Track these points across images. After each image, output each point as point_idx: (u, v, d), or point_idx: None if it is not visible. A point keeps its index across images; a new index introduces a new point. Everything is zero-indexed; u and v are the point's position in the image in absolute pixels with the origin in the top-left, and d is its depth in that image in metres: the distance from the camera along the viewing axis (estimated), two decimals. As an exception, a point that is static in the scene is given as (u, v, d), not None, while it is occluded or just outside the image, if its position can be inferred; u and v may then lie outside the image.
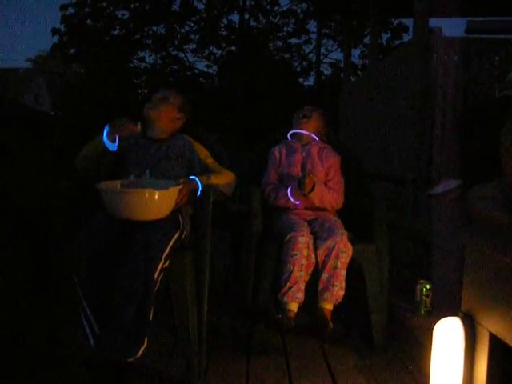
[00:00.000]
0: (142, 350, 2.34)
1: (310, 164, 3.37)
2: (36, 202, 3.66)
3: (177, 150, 3.05)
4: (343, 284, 2.95)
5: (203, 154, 3.09)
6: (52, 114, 25.81)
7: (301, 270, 2.92)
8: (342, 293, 2.95)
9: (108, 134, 2.84)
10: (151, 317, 2.40)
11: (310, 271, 2.99)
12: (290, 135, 3.57)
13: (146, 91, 21.50)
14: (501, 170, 2.81)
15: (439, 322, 2.21)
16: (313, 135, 3.49)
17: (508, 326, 1.85)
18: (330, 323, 2.90)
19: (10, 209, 3.63)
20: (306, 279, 2.97)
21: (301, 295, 2.93)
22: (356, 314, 3.15)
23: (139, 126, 2.85)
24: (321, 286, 2.97)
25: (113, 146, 2.86)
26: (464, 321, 2.15)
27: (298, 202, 3.26)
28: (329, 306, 2.97)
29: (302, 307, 2.97)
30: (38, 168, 4.53)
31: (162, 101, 3.10)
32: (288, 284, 2.92)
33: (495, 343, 1.99)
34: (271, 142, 3.63)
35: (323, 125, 3.53)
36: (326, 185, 3.34)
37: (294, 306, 2.93)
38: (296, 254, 2.92)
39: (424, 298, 3.05)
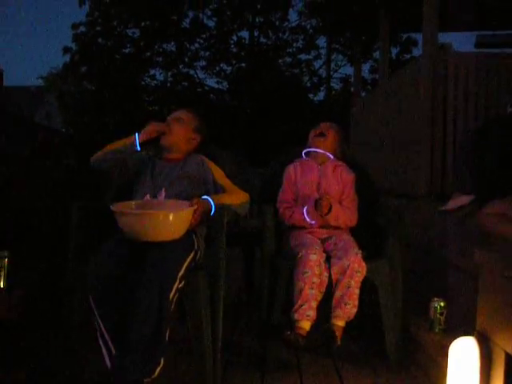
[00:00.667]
0: (158, 369, 2.37)
1: (325, 183, 3.38)
2: (51, 221, 3.69)
3: (192, 170, 3.07)
4: (356, 302, 2.97)
5: (218, 173, 3.11)
6: (63, 130, 26.00)
7: (312, 288, 2.94)
8: (354, 310, 2.97)
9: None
10: (167, 337, 2.42)
11: (323, 289, 3.01)
12: (305, 153, 3.57)
13: (156, 108, 21.59)
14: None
15: (455, 341, 2.21)
16: (328, 154, 3.49)
17: (524, 345, 1.85)
18: (338, 340, 2.92)
19: (23, 227, 3.67)
20: (319, 298, 2.99)
21: (312, 313, 2.94)
22: (370, 331, 3.14)
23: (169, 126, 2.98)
24: (334, 303, 2.99)
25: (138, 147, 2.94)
26: (479, 340, 2.15)
27: (313, 222, 3.27)
28: (340, 323, 2.98)
29: (316, 325, 2.98)
30: (52, 187, 4.57)
31: (176, 122, 3.13)
32: (299, 302, 2.94)
33: (511, 362, 1.99)
34: (285, 160, 3.64)
35: (339, 142, 3.53)
36: (340, 203, 3.34)
37: (305, 324, 2.94)
38: (307, 272, 2.94)
39: (438, 315, 3.03)
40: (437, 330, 3.03)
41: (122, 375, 2.35)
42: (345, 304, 2.95)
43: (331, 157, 3.50)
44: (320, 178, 3.41)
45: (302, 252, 2.99)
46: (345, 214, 3.30)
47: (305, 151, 3.57)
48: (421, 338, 3.05)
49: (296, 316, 2.94)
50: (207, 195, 2.87)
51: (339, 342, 2.92)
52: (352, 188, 3.43)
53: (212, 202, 2.82)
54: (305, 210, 3.26)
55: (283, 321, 3.13)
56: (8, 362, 2.78)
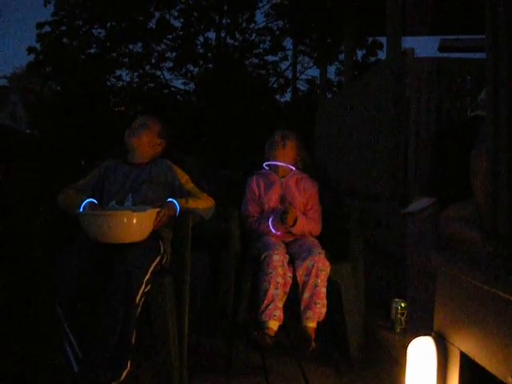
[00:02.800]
0: (125, 373, 2.39)
1: (289, 196, 3.40)
2: (17, 224, 3.68)
3: (158, 175, 3.10)
4: (325, 301, 3.03)
5: (184, 178, 3.13)
6: (28, 131, 25.63)
7: (277, 288, 2.98)
8: (324, 310, 3.03)
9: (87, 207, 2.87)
10: (133, 340, 2.44)
11: (287, 290, 3.05)
12: (267, 165, 3.55)
13: (122, 109, 21.48)
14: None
15: (413, 341, 2.28)
16: (289, 166, 3.48)
17: (478, 345, 1.92)
18: (313, 342, 2.97)
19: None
20: (284, 298, 3.03)
21: (279, 313, 2.98)
22: (333, 332, 3.20)
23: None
24: (303, 305, 3.03)
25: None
26: (436, 340, 2.22)
27: (279, 233, 3.30)
28: (312, 324, 3.03)
29: (281, 326, 3.03)
30: (20, 189, 4.55)
31: (141, 127, 3.16)
32: (265, 302, 2.98)
33: (466, 362, 2.06)
34: (246, 167, 3.66)
35: (298, 150, 3.51)
36: (304, 214, 3.39)
37: (273, 325, 2.98)
38: (271, 273, 2.98)
39: (399, 316, 3.11)
40: (398, 330, 3.11)
41: (89, 380, 2.36)
42: (315, 304, 3.00)
43: (293, 168, 3.49)
44: (283, 191, 3.42)
45: (265, 253, 3.04)
46: (309, 224, 3.34)
47: (265, 164, 3.55)
48: (383, 338, 3.12)
49: (263, 317, 2.98)
50: (172, 198, 2.90)
51: (314, 344, 2.97)
52: (316, 199, 3.46)
53: (177, 204, 2.86)
54: (270, 222, 3.28)
55: (249, 322, 3.17)
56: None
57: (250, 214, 3.42)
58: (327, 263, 3.03)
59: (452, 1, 7.35)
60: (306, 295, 3.03)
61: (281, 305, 3.00)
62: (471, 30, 8.44)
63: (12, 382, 2.74)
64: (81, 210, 2.82)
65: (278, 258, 3.01)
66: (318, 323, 3.06)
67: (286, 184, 3.44)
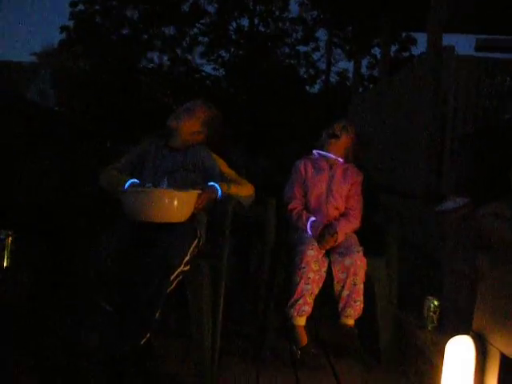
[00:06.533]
0: (143, 340, 2.42)
1: (334, 185, 3.37)
2: (56, 202, 3.72)
3: (194, 160, 3.09)
4: (362, 298, 3.04)
5: (223, 165, 3.13)
6: (56, 109, 25.80)
7: (307, 283, 2.97)
8: (361, 306, 3.05)
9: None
10: (157, 315, 2.46)
11: (320, 284, 3.04)
12: (317, 152, 3.53)
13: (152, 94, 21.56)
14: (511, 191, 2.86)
15: (451, 340, 2.27)
16: (338, 159, 3.45)
17: (521, 348, 1.91)
18: (356, 340, 3.01)
19: (27, 207, 3.70)
20: (315, 292, 3.02)
21: (307, 308, 2.99)
22: (363, 327, 3.20)
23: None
24: (342, 303, 3.04)
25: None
26: (475, 340, 2.21)
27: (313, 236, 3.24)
28: (352, 322, 3.06)
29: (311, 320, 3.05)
30: (54, 168, 4.58)
31: (185, 112, 3.14)
32: (295, 296, 2.99)
33: (506, 363, 2.05)
34: (285, 155, 3.66)
35: (352, 145, 3.49)
36: (347, 201, 3.38)
37: (301, 321, 3.01)
38: (304, 267, 2.97)
39: (431, 314, 3.09)
40: (429, 328, 3.09)
41: (107, 345, 2.45)
42: (354, 302, 3.02)
43: (340, 160, 3.46)
44: (330, 179, 3.40)
45: (300, 247, 3.03)
46: (350, 226, 3.28)
47: (316, 151, 3.53)
48: (414, 336, 3.11)
49: (292, 312, 2.99)
50: (213, 182, 2.91)
51: (358, 344, 3.01)
52: (359, 188, 3.43)
53: (219, 189, 2.86)
54: (309, 224, 3.23)
55: (279, 316, 3.17)
56: (12, 343, 2.81)
57: (296, 195, 3.39)
58: (365, 260, 3.03)
59: (492, 1, 7.28)
60: (345, 293, 3.03)
61: (311, 300, 3.00)
62: (508, 30, 8.36)
63: (46, 358, 2.77)
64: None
65: (313, 254, 3.00)
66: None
67: (333, 172, 3.41)
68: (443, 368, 2.30)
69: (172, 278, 2.49)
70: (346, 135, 3.45)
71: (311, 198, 3.38)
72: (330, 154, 3.45)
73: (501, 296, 2.11)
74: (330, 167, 3.44)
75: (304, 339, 2.98)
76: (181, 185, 2.92)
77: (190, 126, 3.13)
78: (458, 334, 2.31)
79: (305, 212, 3.32)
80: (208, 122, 3.19)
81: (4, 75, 31.89)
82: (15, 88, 28.71)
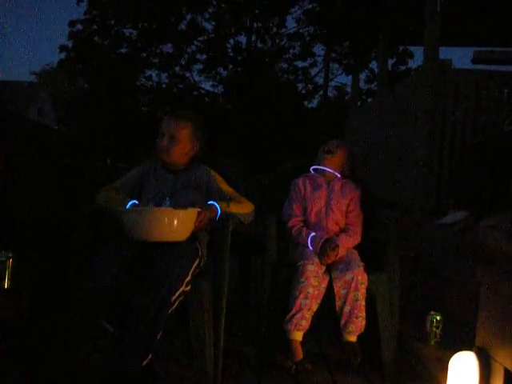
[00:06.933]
0: (145, 362, 2.41)
1: (333, 200, 3.39)
2: (54, 221, 3.72)
3: (195, 180, 3.09)
4: (364, 314, 3.03)
5: (222, 183, 3.13)
6: (56, 127, 25.92)
7: (306, 298, 2.97)
8: (364, 323, 3.04)
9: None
10: (158, 336, 2.45)
11: (319, 300, 3.04)
12: (314, 169, 3.57)
13: (150, 109, 21.65)
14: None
15: (454, 355, 2.26)
16: (336, 173, 3.48)
17: (524, 363, 1.90)
18: (359, 357, 2.99)
19: (26, 228, 3.70)
20: (314, 308, 3.02)
21: (305, 323, 2.99)
22: (365, 342, 3.18)
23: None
24: (344, 319, 3.03)
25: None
26: (479, 355, 2.20)
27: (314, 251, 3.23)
28: (354, 339, 3.05)
29: (311, 335, 3.03)
30: (53, 186, 4.59)
31: (170, 143, 3.04)
32: (293, 311, 2.98)
33: (510, 378, 2.04)
34: (287, 172, 3.67)
35: (348, 161, 3.51)
36: (346, 217, 3.40)
37: (297, 336, 3.00)
38: (303, 282, 2.97)
39: (434, 329, 3.08)
40: (432, 343, 3.08)
41: (108, 366, 2.42)
42: (356, 318, 3.00)
43: (338, 175, 3.49)
44: (328, 194, 3.42)
45: (300, 262, 3.04)
46: (351, 241, 3.29)
47: (313, 168, 3.57)
48: (416, 351, 3.10)
49: (289, 326, 2.99)
50: (213, 201, 2.91)
51: (359, 359, 2.99)
52: (357, 203, 3.45)
53: (219, 208, 2.86)
54: (309, 240, 3.23)
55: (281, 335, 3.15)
56: (12, 363, 2.80)
57: (295, 213, 3.40)
58: (366, 276, 3.02)
59: (488, 14, 7.32)
60: (347, 309, 3.02)
61: (309, 315, 3.00)
62: (505, 42, 8.40)
63: (46, 378, 2.76)
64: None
65: (313, 269, 3.00)
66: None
67: (332, 188, 3.44)
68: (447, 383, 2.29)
69: (173, 298, 2.48)
70: (341, 151, 3.49)
71: (311, 214, 3.40)
72: (327, 169, 3.48)
73: (503, 311, 2.10)
74: (328, 183, 3.47)
75: (299, 354, 2.98)
76: (183, 204, 2.89)
77: (181, 150, 3.07)
78: (461, 350, 2.30)
79: (305, 228, 3.32)
80: (195, 135, 3.11)
81: (5, 94, 32.06)
82: (15, 107, 28.84)
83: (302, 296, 2.96)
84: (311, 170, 3.59)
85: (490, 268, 2.35)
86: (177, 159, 3.08)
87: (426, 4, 5.77)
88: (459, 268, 3.25)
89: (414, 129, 5.64)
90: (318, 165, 3.53)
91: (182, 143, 3.06)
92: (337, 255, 3.15)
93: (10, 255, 2.99)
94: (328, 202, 3.40)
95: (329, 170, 3.48)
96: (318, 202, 3.40)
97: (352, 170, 3.56)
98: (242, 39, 21.44)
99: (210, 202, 2.89)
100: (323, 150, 3.52)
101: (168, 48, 21.38)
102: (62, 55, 21.19)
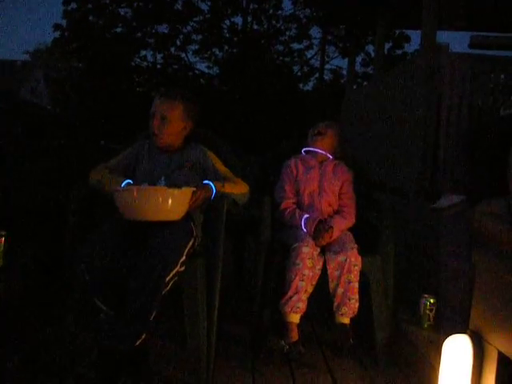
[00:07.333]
0: (138, 342, 2.41)
1: (326, 181, 3.39)
2: (48, 201, 3.70)
3: (191, 159, 3.07)
4: (357, 296, 3.02)
5: (218, 163, 3.11)
6: (49, 107, 25.73)
7: (302, 280, 2.96)
8: (357, 305, 3.03)
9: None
10: (152, 316, 2.44)
11: (315, 282, 3.03)
12: (305, 151, 3.57)
13: (145, 89, 21.53)
14: (507, 189, 2.85)
15: (448, 338, 2.26)
16: (327, 154, 3.49)
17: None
18: (351, 339, 3.00)
19: (20, 208, 3.68)
20: (310, 290, 3.01)
21: (302, 305, 2.98)
22: (359, 325, 3.19)
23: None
24: (337, 301, 3.02)
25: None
26: (472, 338, 2.21)
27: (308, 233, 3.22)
28: (347, 320, 3.04)
29: (305, 317, 3.04)
30: (47, 167, 4.57)
31: (162, 125, 3.02)
32: (289, 293, 2.97)
33: (503, 361, 2.04)
34: (281, 153, 3.65)
35: (338, 141, 3.52)
36: (340, 198, 3.39)
37: (294, 318, 2.99)
38: (298, 264, 2.96)
39: (428, 312, 3.09)
40: (426, 326, 3.09)
41: (103, 345, 2.44)
42: (349, 300, 3.00)
43: (330, 157, 3.50)
44: (321, 175, 3.42)
45: (294, 244, 3.03)
46: (345, 223, 3.30)
47: (304, 149, 3.57)
48: (410, 334, 3.10)
49: (286, 308, 2.98)
50: (208, 181, 2.89)
51: (352, 342, 3.00)
52: (350, 185, 3.45)
53: (214, 188, 2.84)
54: (303, 221, 3.22)
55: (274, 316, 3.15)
56: (5, 342, 2.79)
57: (288, 195, 3.39)
58: (359, 258, 3.02)
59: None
60: (340, 291, 3.02)
61: (305, 297, 2.99)
62: (503, 27, 8.38)
63: (38, 359, 2.75)
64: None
65: (308, 251, 2.99)
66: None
67: (324, 169, 3.44)
68: (440, 367, 2.29)
69: (168, 279, 2.46)
70: (330, 132, 3.49)
71: (304, 195, 3.39)
72: (318, 150, 3.48)
73: (498, 294, 2.10)
74: (320, 164, 3.46)
75: (295, 336, 2.97)
76: (178, 184, 2.86)
77: (173, 130, 3.05)
78: (454, 333, 2.30)
79: (298, 210, 3.31)
80: (186, 115, 3.08)
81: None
82: (8, 86, 28.64)
83: (297, 278, 2.95)
84: (302, 151, 3.58)
85: (485, 252, 2.34)
86: (169, 140, 3.06)
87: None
88: (454, 252, 3.25)
89: (410, 112, 5.63)
90: (309, 147, 3.53)
91: (173, 123, 3.04)
92: (331, 237, 3.15)
93: (3, 233, 2.98)
94: (321, 183, 3.40)
95: (320, 151, 3.48)
96: (310, 183, 3.39)
97: (343, 152, 3.56)
98: (238, 20, 21.42)
99: (205, 182, 2.87)
100: (313, 131, 3.52)
101: (163, 28, 21.27)
102: (57, 34, 21.05)
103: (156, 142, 3.06)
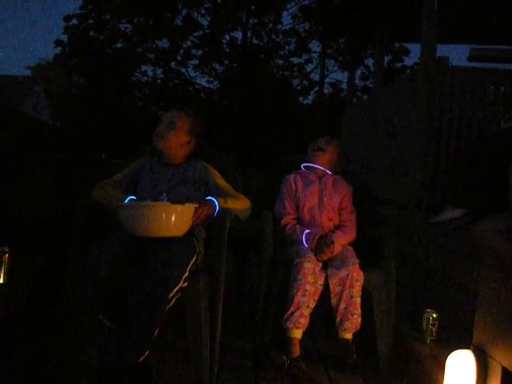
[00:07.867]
0: (141, 358, 2.40)
1: (326, 196, 3.40)
2: (50, 215, 3.70)
3: (193, 175, 3.08)
4: (359, 311, 3.01)
5: (219, 178, 3.12)
6: (50, 122, 25.79)
7: (304, 296, 2.96)
8: (359, 320, 3.02)
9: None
10: (155, 333, 2.44)
11: (317, 298, 3.02)
12: (305, 166, 3.57)
13: (145, 104, 21.61)
14: (508, 203, 2.86)
15: (451, 354, 2.26)
16: (326, 170, 3.49)
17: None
18: (354, 355, 2.99)
19: (21, 222, 3.68)
20: (312, 305, 3.00)
21: (303, 321, 2.97)
22: (361, 340, 3.18)
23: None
24: (339, 317, 3.02)
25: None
26: (476, 354, 2.20)
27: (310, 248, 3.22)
28: (349, 336, 3.03)
29: (307, 332, 3.02)
30: (48, 181, 4.57)
31: (168, 129, 3.08)
32: (291, 309, 2.96)
33: (507, 377, 2.03)
34: (281, 169, 3.66)
35: (337, 157, 3.52)
36: (340, 214, 3.40)
37: (296, 333, 2.98)
38: (300, 279, 2.96)
39: (430, 327, 3.08)
40: (428, 341, 3.07)
41: (105, 361, 2.41)
42: (351, 315, 2.99)
43: (329, 172, 3.50)
44: (321, 190, 3.42)
45: (296, 260, 3.02)
46: (346, 237, 3.29)
47: (304, 165, 3.56)
48: (413, 349, 3.09)
49: (287, 324, 2.97)
50: (211, 196, 2.90)
51: (355, 357, 2.99)
52: (350, 200, 3.45)
53: (217, 204, 2.85)
54: (304, 237, 3.22)
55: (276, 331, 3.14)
56: (8, 358, 2.79)
57: (288, 211, 3.38)
58: (361, 273, 3.01)
59: (485, 11, 7.32)
60: (342, 306, 3.01)
61: (307, 313, 2.98)
62: (501, 40, 8.41)
63: (42, 373, 2.75)
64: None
65: (310, 266, 2.99)
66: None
67: (324, 184, 3.44)
68: (444, 382, 2.28)
69: (171, 295, 2.46)
70: (331, 147, 3.49)
71: (304, 211, 3.39)
72: (318, 166, 3.48)
73: (501, 309, 2.10)
74: (320, 179, 3.46)
75: (297, 351, 2.95)
76: (180, 200, 2.87)
77: (177, 139, 3.09)
78: (458, 348, 2.30)
79: (298, 226, 3.32)
80: (193, 130, 3.14)
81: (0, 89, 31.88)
82: (9, 101, 28.71)
83: (299, 294, 2.95)
84: (302, 167, 3.58)
85: (489, 267, 2.34)
86: (168, 146, 3.08)
87: (423, 1, 5.76)
88: (457, 266, 3.25)
89: (410, 125, 5.64)
90: (309, 162, 3.53)
91: (178, 131, 3.09)
92: (332, 252, 3.15)
93: (6, 250, 2.98)
94: (321, 198, 3.40)
95: (320, 167, 3.48)
96: (310, 199, 3.39)
97: (343, 167, 3.57)
98: (238, 35, 21.44)
99: (208, 198, 2.88)
100: (313, 147, 3.52)
101: (163, 43, 21.36)
102: (58, 50, 21.15)
103: (158, 144, 3.08)
